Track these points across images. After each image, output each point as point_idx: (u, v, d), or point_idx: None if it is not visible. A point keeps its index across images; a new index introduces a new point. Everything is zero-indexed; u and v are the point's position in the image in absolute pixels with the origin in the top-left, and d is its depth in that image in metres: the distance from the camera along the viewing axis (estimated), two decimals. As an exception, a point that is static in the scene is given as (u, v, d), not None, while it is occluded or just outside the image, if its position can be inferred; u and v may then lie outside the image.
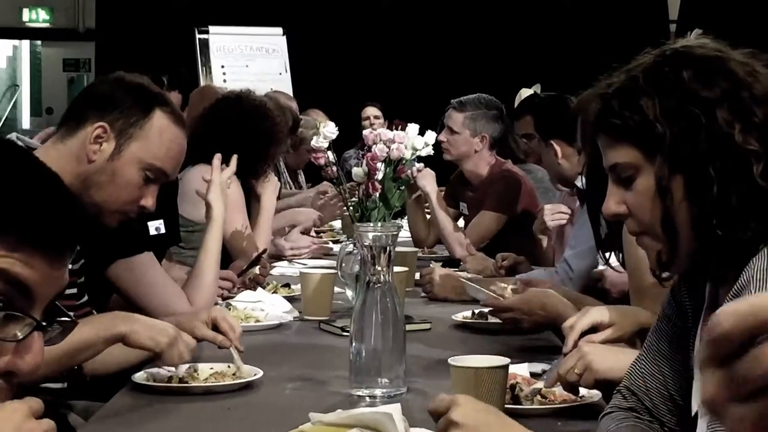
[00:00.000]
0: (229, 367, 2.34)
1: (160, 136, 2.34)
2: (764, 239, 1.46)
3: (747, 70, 1.52)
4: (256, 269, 3.56)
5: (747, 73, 1.52)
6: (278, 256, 4.51)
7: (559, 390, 2.07)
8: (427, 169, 4.63)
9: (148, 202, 2.37)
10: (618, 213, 1.61)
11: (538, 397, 2.10)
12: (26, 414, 1.16)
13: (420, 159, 3.25)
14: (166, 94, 2.48)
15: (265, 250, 3.74)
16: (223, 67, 9.08)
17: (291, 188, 6.42)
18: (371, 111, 8.88)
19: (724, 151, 1.47)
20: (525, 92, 6.74)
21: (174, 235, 3.77)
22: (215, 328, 2.40)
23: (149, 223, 3.51)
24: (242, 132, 4.03)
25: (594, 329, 2.18)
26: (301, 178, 7.04)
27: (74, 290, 2.42)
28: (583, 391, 2.06)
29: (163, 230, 3.55)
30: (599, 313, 2.21)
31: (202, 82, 8.52)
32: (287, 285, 3.56)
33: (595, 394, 2.07)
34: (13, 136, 2.39)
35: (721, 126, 1.48)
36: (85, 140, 2.29)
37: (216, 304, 3.32)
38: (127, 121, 2.32)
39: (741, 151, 1.47)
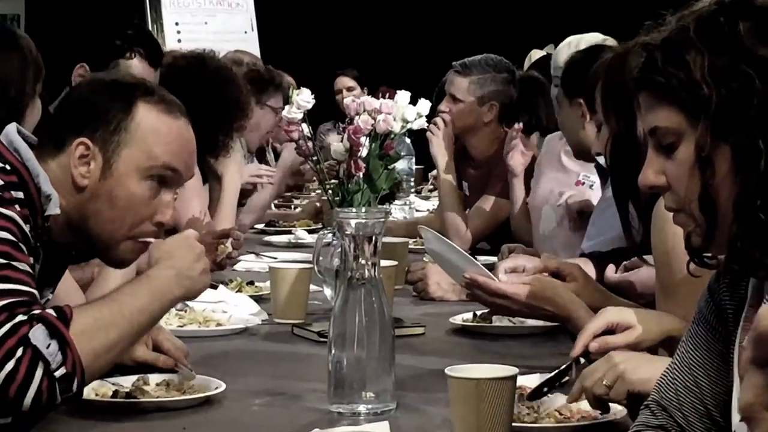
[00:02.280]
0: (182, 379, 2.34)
1: (150, 130, 2.25)
2: None
3: None
4: (228, 244, 3.53)
5: None
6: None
7: (581, 404, 2.07)
8: (445, 130, 4.67)
9: (165, 216, 2.28)
10: (656, 185, 1.62)
11: (554, 412, 2.10)
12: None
13: (411, 133, 3.25)
14: (149, 83, 2.40)
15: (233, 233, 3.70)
16: (177, 24, 9.06)
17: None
18: (345, 82, 8.88)
19: None
20: (536, 54, 6.75)
21: None
22: (157, 349, 2.42)
23: None
24: (203, 99, 4.02)
25: (610, 331, 2.19)
26: (270, 155, 7.03)
27: None
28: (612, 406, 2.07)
29: None
30: (616, 313, 2.22)
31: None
32: (252, 282, 3.56)
33: (620, 411, 2.07)
34: (13, 127, 2.33)
35: None
36: (68, 164, 2.21)
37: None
38: (108, 128, 2.23)
39: None
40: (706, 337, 1.69)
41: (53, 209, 2.16)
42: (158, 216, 2.27)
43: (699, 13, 1.56)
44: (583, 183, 4.00)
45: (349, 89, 8.64)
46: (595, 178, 3.78)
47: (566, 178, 4.11)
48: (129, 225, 2.24)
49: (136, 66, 3.67)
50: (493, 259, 3.79)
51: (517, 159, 4.44)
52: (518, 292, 2.58)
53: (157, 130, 2.26)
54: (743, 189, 1.51)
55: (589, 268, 3.02)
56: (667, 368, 1.74)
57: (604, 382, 1.99)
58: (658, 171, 1.62)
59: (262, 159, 6.69)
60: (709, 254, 1.64)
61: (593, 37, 4.62)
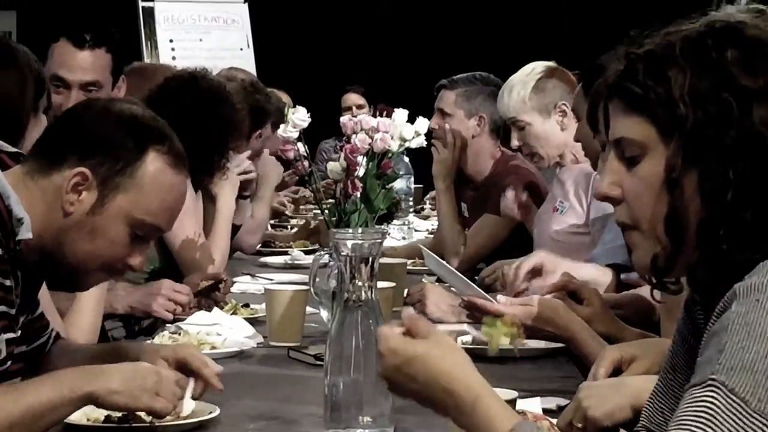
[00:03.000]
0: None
1: (153, 184, 2.24)
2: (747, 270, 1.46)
3: None
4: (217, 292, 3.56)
5: None
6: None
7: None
8: (449, 152, 4.69)
9: (136, 261, 2.28)
10: (611, 196, 1.61)
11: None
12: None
13: (411, 151, 3.26)
14: (163, 124, 2.35)
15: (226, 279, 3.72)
16: (171, 41, 9.07)
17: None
18: (353, 99, 8.87)
19: (751, 153, 1.48)
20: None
21: None
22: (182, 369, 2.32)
23: None
24: (196, 119, 4.03)
25: (618, 369, 2.22)
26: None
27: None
28: None
29: None
30: (614, 352, 2.25)
31: (147, 60, 8.51)
32: (248, 305, 3.56)
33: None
34: None
35: (754, 123, 1.48)
36: (61, 187, 2.20)
37: (165, 324, 3.33)
38: (113, 167, 2.22)
39: None
40: (686, 357, 1.69)
41: (25, 233, 2.15)
42: (130, 260, 2.28)
43: (687, 33, 1.56)
44: (557, 209, 3.96)
45: (359, 107, 8.62)
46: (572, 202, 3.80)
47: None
48: (101, 261, 2.25)
49: (60, 47, 3.81)
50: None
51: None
52: (517, 314, 2.60)
53: (160, 186, 2.26)
54: (708, 216, 1.50)
55: (608, 278, 3.05)
56: (653, 392, 1.74)
57: (576, 423, 2.01)
58: (615, 182, 1.61)
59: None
60: (671, 279, 1.63)
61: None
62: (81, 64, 3.80)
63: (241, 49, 9.21)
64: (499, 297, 2.69)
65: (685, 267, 1.56)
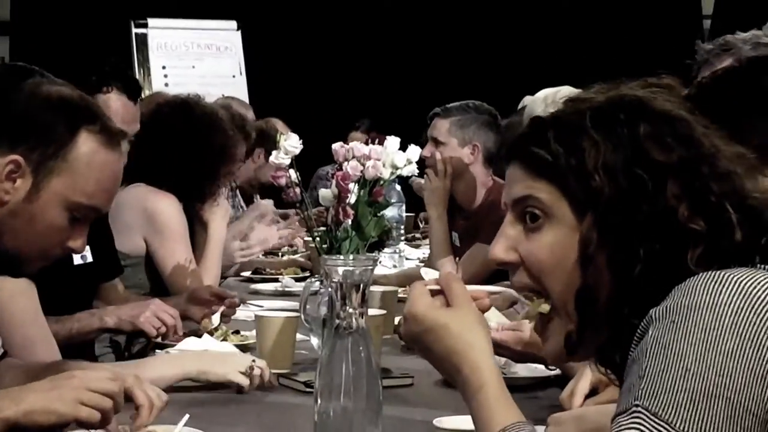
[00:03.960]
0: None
1: (87, 165, 2.22)
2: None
3: (712, 141, 1.53)
4: (214, 318, 3.56)
5: (711, 145, 1.53)
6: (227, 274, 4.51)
7: None
8: (441, 181, 4.69)
9: (77, 243, 2.27)
10: (508, 262, 1.61)
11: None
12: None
13: (401, 180, 3.26)
14: (93, 104, 2.34)
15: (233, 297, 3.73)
16: (164, 68, 9.11)
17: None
18: (359, 138, 8.85)
19: (662, 229, 1.48)
20: (529, 101, 6.76)
21: (109, 267, 3.76)
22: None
23: None
24: (189, 146, 4.04)
25: (594, 390, 2.24)
26: (257, 200, 7.03)
27: None
28: None
29: (90, 259, 3.54)
30: (592, 373, 2.26)
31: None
32: (238, 331, 3.56)
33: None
34: None
35: (667, 199, 1.49)
36: None
37: (155, 350, 3.32)
38: (45, 152, 2.19)
39: (681, 231, 1.48)
40: None
41: None
42: (70, 243, 2.26)
43: (596, 104, 1.56)
44: None
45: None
46: None
47: None
48: (41, 247, 2.24)
49: (114, 100, 3.68)
50: None
51: None
52: (506, 339, 2.63)
53: (94, 167, 2.23)
54: (616, 292, 1.50)
55: None
56: None
57: None
58: (511, 247, 1.60)
59: (249, 204, 6.71)
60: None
61: (568, 91, 4.65)
62: (136, 118, 3.78)
63: (234, 76, 9.25)
64: (491, 324, 2.69)
65: (595, 345, 1.56)
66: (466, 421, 2.02)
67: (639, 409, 1.37)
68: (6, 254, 2.23)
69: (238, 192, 6.36)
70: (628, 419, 1.38)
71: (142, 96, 4.42)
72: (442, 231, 4.80)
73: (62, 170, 2.20)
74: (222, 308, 3.58)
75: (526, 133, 1.58)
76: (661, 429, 1.35)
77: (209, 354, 2.91)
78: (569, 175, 1.52)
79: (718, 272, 1.43)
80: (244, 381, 2.75)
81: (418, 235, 6.93)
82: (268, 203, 5.11)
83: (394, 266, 5.28)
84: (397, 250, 5.55)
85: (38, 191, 2.19)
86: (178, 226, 4.09)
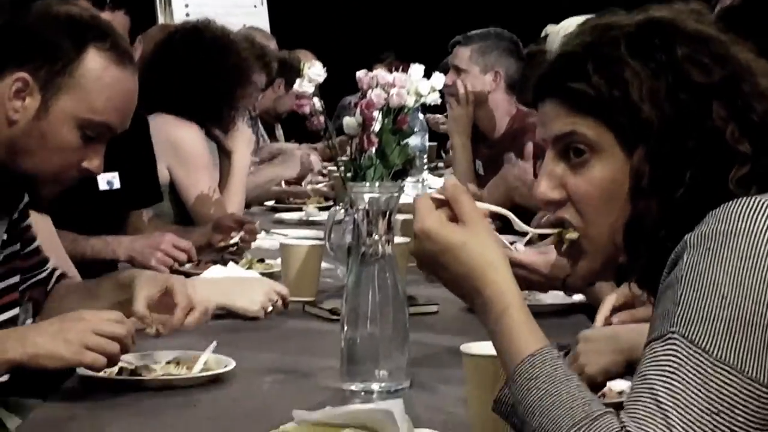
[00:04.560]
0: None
1: (96, 82, 2.19)
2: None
3: (746, 59, 1.51)
4: (235, 236, 3.57)
5: (747, 63, 1.51)
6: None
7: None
8: (464, 107, 4.67)
9: (93, 163, 2.25)
10: (554, 201, 1.58)
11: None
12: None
13: (425, 108, 3.25)
14: (105, 23, 2.31)
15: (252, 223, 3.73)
16: (185, -3, 9.04)
17: (265, 142, 6.42)
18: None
19: (710, 151, 1.47)
20: (552, 29, 6.71)
21: (144, 194, 3.76)
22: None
23: (99, 175, 3.50)
24: (202, 69, 4.03)
25: (630, 305, 2.22)
26: (279, 132, 7.03)
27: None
28: (618, 385, 2.08)
29: (117, 185, 3.54)
30: (624, 290, 2.24)
31: (160, 17, 8.50)
32: (263, 260, 3.56)
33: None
34: None
35: (714, 120, 1.47)
36: (2, 96, 2.16)
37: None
38: (53, 68, 2.17)
39: (728, 152, 1.47)
40: None
41: None
42: (86, 164, 2.24)
43: (627, 30, 1.52)
44: None
45: None
46: None
47: None
48: (56, 168, 2.22)
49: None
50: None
51: None
52: (536, 261, 2.61)
53: (103, 83, 2.21)
54: (660, 218, 1.49)
55: None
56: None
57: None
58: (557, 185, 1.57)
59: (271, 135, 6.71)
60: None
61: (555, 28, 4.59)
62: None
63: (255, 6, 9.18)
64: (518, 246, 2.68)
65: (635, 270, 1.55)
66: (493, 347, 2.02)
67: (675, 335, 1.37)
68: (23, 177, 2.22)
69: (258, 121, 6.35)
70: (663, 345, 1.37)
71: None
72: (466, 159, 4.79)
73: (70, 87, 2.19)
74: (241, 233, 3.59)
75: (561, 68, 1.55)
76: (697, 356, 1.35)
77: (229, 285, 2.90)
78: (614, 108, 1.50)
79: (754, 198, 1.42)
80: (261, 314, 2.80)
81: (441, 165, 6.92)
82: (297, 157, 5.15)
83: (417, 195, 5.27)
84: (420, 179, 5.52)
85: (47, 109, 2.18)
86: (202, 155, 4.10)
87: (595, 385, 2.04)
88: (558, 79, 1.55)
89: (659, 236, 1.49)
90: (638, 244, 1.51)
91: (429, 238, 1.56)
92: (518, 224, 1.73)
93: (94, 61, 2.20)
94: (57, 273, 2.51)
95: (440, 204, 1.59)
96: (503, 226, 3.69)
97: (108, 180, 3.50)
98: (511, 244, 2.74)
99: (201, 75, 4.03)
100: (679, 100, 1.48)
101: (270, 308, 2.82)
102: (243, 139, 4.29)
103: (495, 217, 2.14)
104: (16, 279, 2.34)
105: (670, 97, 1.48)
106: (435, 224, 1.56)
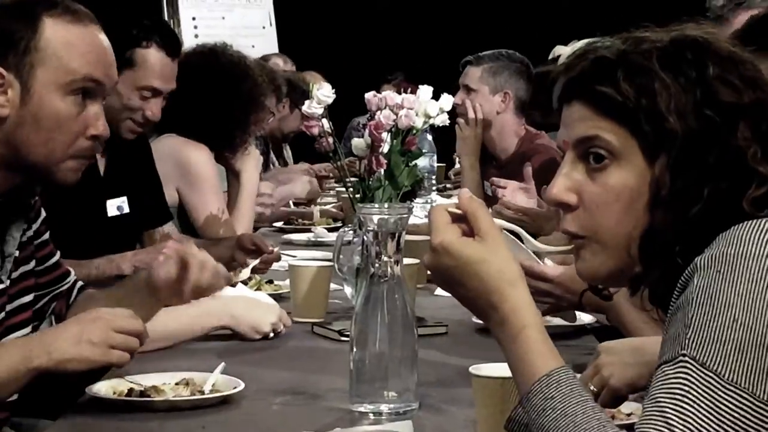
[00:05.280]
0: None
1: (63, 44, 2.20)
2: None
3: None
4: (248, 265, 3.56)
5: None
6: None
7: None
8: (473, 129, 4.67)
9: (98, 128, 2.23)
10: (565, 203, 1.58)
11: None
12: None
13: (434, 129, 3.25)
14: None
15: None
16: (194, 19, 9.07)
17: (274, 165, 6.44)
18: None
19: (730, 169, 1.48)
20: (560, 50, 6.72)
21: (155, 214, 3.76)
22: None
23: (108, 202, 3.51)
24: (217, 94, 4.04)
25: None
26: (287, 152, 7.04)
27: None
28: (627, 407, 2.08)
29: (126, 209, 3.55)
30: None
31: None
32: (272, 281, 3.57)
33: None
34: None
35: (737, 140, 1.48)
36: None
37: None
38: (17, 51, 2.18)
39: (747, 172, 1.47)
40: None
41: None
42: (91, 130, 2.23)
43: (660, 44, 1.53)
44: None
45: None
46: None
47: None
48: (63, 145, 2.21)
49: (154, 55, 3.64)
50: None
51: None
52: (562, 274, 2.60)
53: (68, 43, 2.21)
54: (674, 232, 1.49)
55: None
56: None
57: (591, 388, 2.01)
58: (572, 188, 1.57)
59: (279, 156, 6.72)
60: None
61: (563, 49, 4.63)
62: (174, 75, 3.69)
63: (264, 27, 9.21)
64: (547, 260, 2.69)
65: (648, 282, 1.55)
66: (502, 369, 2.02)
67: (686, 358, 1.36)
68: (36, 169, 2.21)
69: (269, 143, 6.37)
70: (674, 368, 1.37)
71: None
72: (475, 180, 4.79)
73: (41, 60, 2.18)
74: (256, 262, 3.58)
75: (591, 71, 1.55)
76: (709, 378, 1.34)
77: (238, 305, 2.91)
78: (641, 116, 1.50)
79: (763, 221, 1.42)
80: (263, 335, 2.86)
81: (449, 186, 6.92)
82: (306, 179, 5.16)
83: (426, 216, 5.27)
84: (429, 200, 5.53)
85: (29, 90, 2.18)
86: (211, 176, 4.10)
87: (619, 398, 2.02)
88: (587, 81, 1.55)
89: (673, 251, 1.48)
90: (653, 257, 1.51)
91: (447, 252, 1.56)
92: (530, 241, 1.73)
93: (52, 28, 2.20)
94: (78, 284, 2.52)
95: (456, 218, 1.59)
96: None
97: (117, 206, 3.51)
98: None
99: (216, 100, 4.04)
100: (705, 116, 1.48)
101: (271, 335, 2.84)
102: (252, 160, 4.29)
103: None
104: (29, 298, 2.34)
105: (697, 112, 1.49)
106: (453, 239, 1.56)
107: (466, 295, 1.56)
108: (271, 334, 2.86)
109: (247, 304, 2.90)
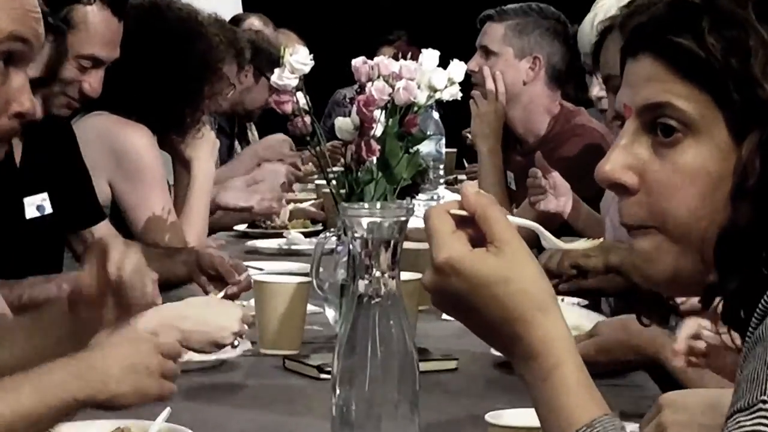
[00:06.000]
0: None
1: None
2: None
3: None
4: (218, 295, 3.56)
5: None
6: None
7: None
8: (493, 104, 4.67)
9: (24, 104, 2.16)
10: (622, 184, 1.55)
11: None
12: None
13: (441, 105, 3.26)
14: None
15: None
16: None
17: (236, 153, 6.44)
18: (388, 54, 8.83)
19: None
20: (600, 6, 6.72)
21: (84, 213, 3.77)
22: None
23: (25, 200, 3.51)
24: (162, 59, 4.03)
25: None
26: (253, 134, 7.04)
27: None
28: None
29: (49, 209, 3.56)
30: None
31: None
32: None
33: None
34: None
35: None
36: None
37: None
38: None
39: None
40: None
41: None
42: (15, 106, 2.17)
43: None
44: None
45: None
46: None
47: None
48: None
49: (95, 13, 3.64)
50: None
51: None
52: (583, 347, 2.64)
53: None
54: (759, 233, 1.47)
55: None
56: None
57: None
58: (631, 166, 1.55)
59: (242, 139, 6.73)
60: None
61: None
62: (119, 40, 3.70)
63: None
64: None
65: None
66: (523, 416, 2.03)
67: (766, 406, 1.35)
68: None
69: (234, 124, 6.38)
70: (751, 418, 1.36)
71: None
72: (494, 170, 4.78)
73: None
74: (221, 295, 3.57)
75: (668, 17, 1.52)
76: None
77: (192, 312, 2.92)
78: (729, 81, 1.48)
79: None
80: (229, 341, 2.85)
81: (461, 177, 6.93)
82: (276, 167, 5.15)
83: (428, 209, 5.27)
84: (435, 196, 5.54)
85: None
86: (153, 166, 4.09)
87: None
88: (662, 30, 1.53)
89: (759, 257, 1.46)
90: (732, 262, 1.48)
91: (456, 272, 1.54)
92: (549, 239, 1.73)
93: None
94: None
95: (458, 221, 1.57)
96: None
97: (38, 204, 3.51)
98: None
99: (159, 67, 4.04)
100: None
101: (237, 342, 2.84)
102: (205, 145, 4.28)
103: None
104: None
105: None
106: (463, 253, 1.54)
107: (482, 324, 1.55)
108: (236, 343, 2.85)
109: (195, 310, 2.90)
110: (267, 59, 5.86)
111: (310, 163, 5.67)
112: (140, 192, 4.07)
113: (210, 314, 2.89)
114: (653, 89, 1.53)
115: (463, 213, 1.56)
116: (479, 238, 1.55)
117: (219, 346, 2.83)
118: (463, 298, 1.54)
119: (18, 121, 2.21)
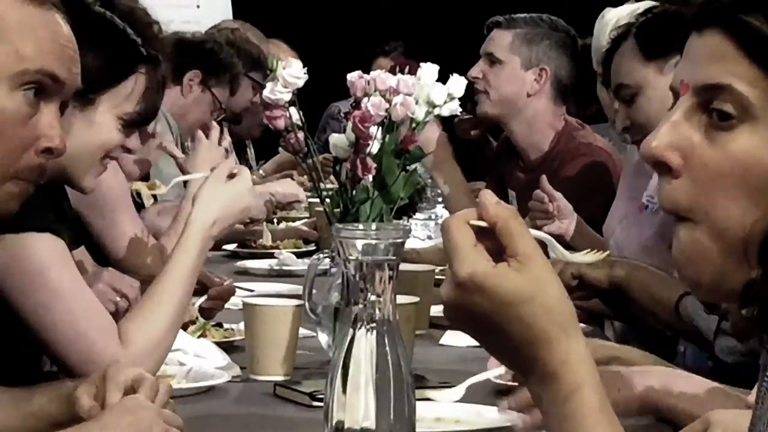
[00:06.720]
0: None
1: (18, 26, 2.18)
2: None
3: None
4: (194, 307, 3.54)
5: None
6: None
7: None
8: (434, 127, 4.66)
9: (53, 140, 2.20)
10: (665, 162, 1.51)
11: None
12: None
13: (442, 120, 3.25)
14: None
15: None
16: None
17: None
18: (384, 66, 8.85)
19: None
20: (613, 15, 6.72)
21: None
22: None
23: None
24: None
25: None
26: (250, 152, 7.04)
27: None
28: None
29: None
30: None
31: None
32: (221, 324, 3.57)
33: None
34: None
35: None
36: None
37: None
38: None
39: None
40: None
41: None
42: (43, 141, 2.20)
43: None
44: (646, 206, 3.98)
45: None
46: None
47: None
48: (4, 157, 2.18)
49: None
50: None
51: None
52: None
53: (24, 25, 2.19)
54: None
55: None
56: None
57: None
58: (678, 144, 1.51)
59: (241, 156, 6.72)
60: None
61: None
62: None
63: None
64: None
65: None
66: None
67: None
68: None
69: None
70: None
71: None
72: (458, 193, 4.75)
73: None
74: (202, 300, 3.56)
75: None
76: None
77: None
78: None
79: None
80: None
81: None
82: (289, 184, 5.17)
83: (429, 237, 5.27)
84: (434, 216, 5.53)
85: None
86: (116, 187, 4.03)
87: None
88: (733, 6, 1.49)
89: None
90: None
91: (479, 289, 1.52)
92: (558, 250, 1.72)
93: (5, 5, 2.19)
94: None
95: (478, 231, 1.55)
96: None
97: None
98: None
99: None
100: None
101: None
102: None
103: None
104: None
105: None
106: (487, 269, 1.52)
107: (501, 343, 1.54)
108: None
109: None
110: (247, 58, 5.79)
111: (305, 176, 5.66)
112: (108, 217, 4.01)
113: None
114: (715, 69, 1.49)
115: (483, 224, 1.54)
116: (497, 250, 1.54)
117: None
118: (485, 316, 1.53)
119: (45, 157, 2.21)
